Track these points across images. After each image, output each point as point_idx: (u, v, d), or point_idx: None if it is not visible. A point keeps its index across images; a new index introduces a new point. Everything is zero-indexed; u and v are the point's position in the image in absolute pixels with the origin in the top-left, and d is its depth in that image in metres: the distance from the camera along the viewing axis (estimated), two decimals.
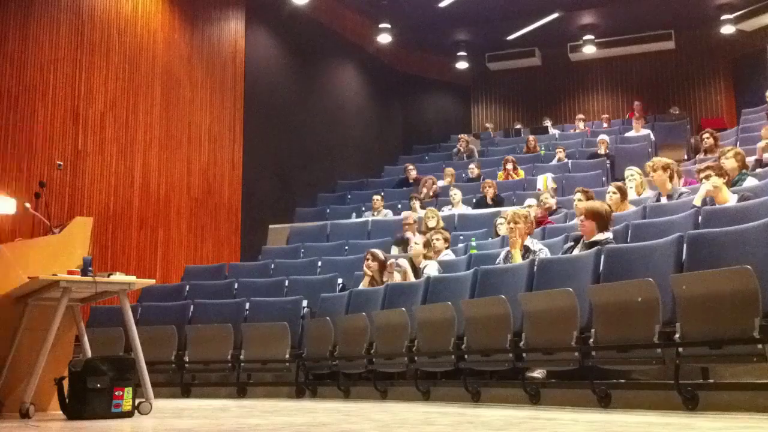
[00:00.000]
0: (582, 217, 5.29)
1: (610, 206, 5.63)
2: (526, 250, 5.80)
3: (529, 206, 8.26)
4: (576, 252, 5.19)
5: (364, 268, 6.92)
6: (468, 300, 5.18)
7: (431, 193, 11.06)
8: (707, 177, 5.49)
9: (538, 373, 4.72)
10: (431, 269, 6.40)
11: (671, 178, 6.49)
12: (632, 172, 7.67)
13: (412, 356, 5.37)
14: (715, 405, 3.56)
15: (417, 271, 6.54)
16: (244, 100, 11.71)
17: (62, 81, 9.06)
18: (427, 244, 6.74)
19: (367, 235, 9.99)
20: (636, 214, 6.15)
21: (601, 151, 11.72)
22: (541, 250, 5.74)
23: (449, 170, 12.29)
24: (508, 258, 5.84)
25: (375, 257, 6.86)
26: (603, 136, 12.12)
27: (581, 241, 5.32)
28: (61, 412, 4.25)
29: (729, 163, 6.28)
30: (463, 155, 13.95)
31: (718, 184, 5.42)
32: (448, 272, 6.29)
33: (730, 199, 5.41)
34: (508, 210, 6.78)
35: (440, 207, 10.42)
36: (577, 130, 14.87)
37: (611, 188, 6.72)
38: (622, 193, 6.66)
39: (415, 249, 6.73)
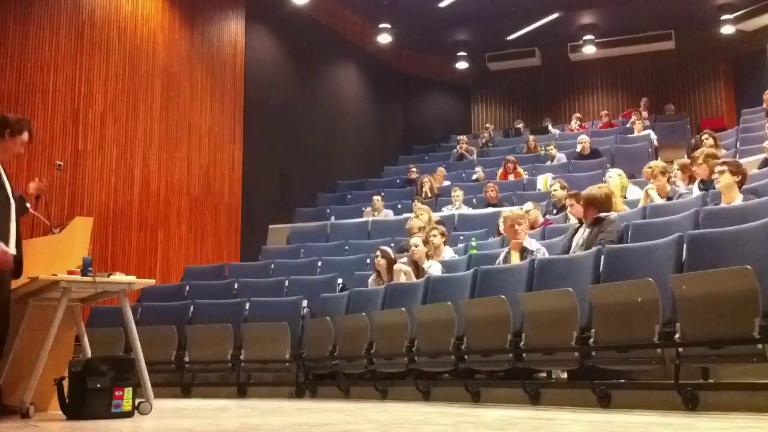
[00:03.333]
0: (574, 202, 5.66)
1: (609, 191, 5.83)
2: (524, 250, 5.82)
3: (528, 211, 8.25)
4: (581, 232, 5.49)
5: (375, 264, 6.94)
6: (468, 300, 5.18)
7: (430, 193, 11.07)
8: (720, 173, 5.47)
9: None
10: (435, 269, 6.38)
11: (669, 181, 6.54)
12: (610, 174, 7.71)
13: (412, 356, 5.37)
14: (715, 405, 3.56)
15: (420, 272, 6.52)
16: (244, 100, 11.71)
17: (62, 81, 9.06)
18: (426, 242, 6.71)
19: (367, 235, 9.99)
20: (636, 214, 6.16)
21: (579, 149, 11.70)
22: (539, 249, 5.75)
23: (441, 170, 12.36)
24: (507, 258, 5.85)
25: (384, 254, 6.87)
26: (583, 137, 12.14)
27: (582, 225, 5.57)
28: (61, 412, 4.25)
29: (701, 169, 6.34)
30: (462, 157, 13.99)
31: (728, 183, 5.41)
32: (448, 272, 6.29)
33: (737, 198, 5.39)
34: (506, 210, 6.78)
35: (440, 207, 10.44)
36: (575, 130, 14.87)
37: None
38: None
39: (416, 252, 6.66)
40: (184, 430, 3.26)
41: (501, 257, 5.92)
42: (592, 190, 5.66)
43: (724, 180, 5.39)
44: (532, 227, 7.44)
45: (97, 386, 4.11)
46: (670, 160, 9.11)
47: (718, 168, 5.53)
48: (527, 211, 8.04)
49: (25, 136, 4.47)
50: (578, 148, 11.78)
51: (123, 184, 9.62)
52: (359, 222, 10.62)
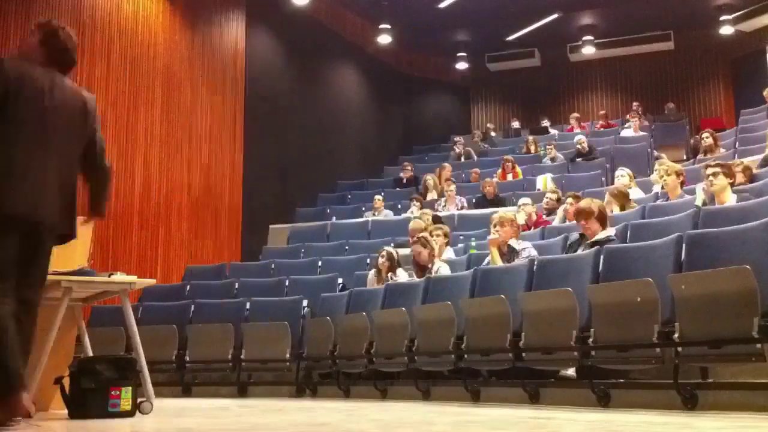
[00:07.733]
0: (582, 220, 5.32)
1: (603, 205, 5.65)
2: (511, 251, 5.85)
3: (525, 204, 8.30)
4: (580, 251, 5.20)
5: (378, 263, 6.92)
6: (468, 300, 5.19)
7: (433, 193, 11.08)
8: (714, 174, 5.49)
9: None
10: (444, 270, 6.36)
11: (682, 184, 6.54)
12: (623, 173, 7.71)
13: (412, 356, 5.39)
14: (714, 404, 3.58)
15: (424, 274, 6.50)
16: (244, 101, 11.72)
17: None
18: (425, 244, 6.69)
19: (368, 235, 10.00)
20: (635, 214, 6.18)
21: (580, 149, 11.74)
22: (525, 248, 5.77)
23: (447, 165, 12.34)
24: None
25: (389, 256, 6.88)
26: (580, 137, 12.16)
27: (583, 241, 5.36)
28: (62, 412, 4.26)
29: (737, 177, 6.34)
30: (461, 157, 14.00)
31: (723, 184, 5.43)
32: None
33: (730, 199, 5.43)
34: (504, 209, 6.80)
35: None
36: (576, 130, 14.88)
37: (608, 196, 6.75)
38: (624, 196, 6.69)
39: (422, 255, 6.63)
40: (185, 430, 3.27)
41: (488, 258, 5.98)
42: (593, 203, 5.40)
43: (719, 182, 5.43)
44: (536, 225, 7.49)
45: (91, 386, 4.09)
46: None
47: (711, 170, 5.55)
48: (525, 205, 8.13)
49: None
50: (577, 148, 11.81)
51: (124, 184, 9.63)
52: (359, 222, 10.63)
